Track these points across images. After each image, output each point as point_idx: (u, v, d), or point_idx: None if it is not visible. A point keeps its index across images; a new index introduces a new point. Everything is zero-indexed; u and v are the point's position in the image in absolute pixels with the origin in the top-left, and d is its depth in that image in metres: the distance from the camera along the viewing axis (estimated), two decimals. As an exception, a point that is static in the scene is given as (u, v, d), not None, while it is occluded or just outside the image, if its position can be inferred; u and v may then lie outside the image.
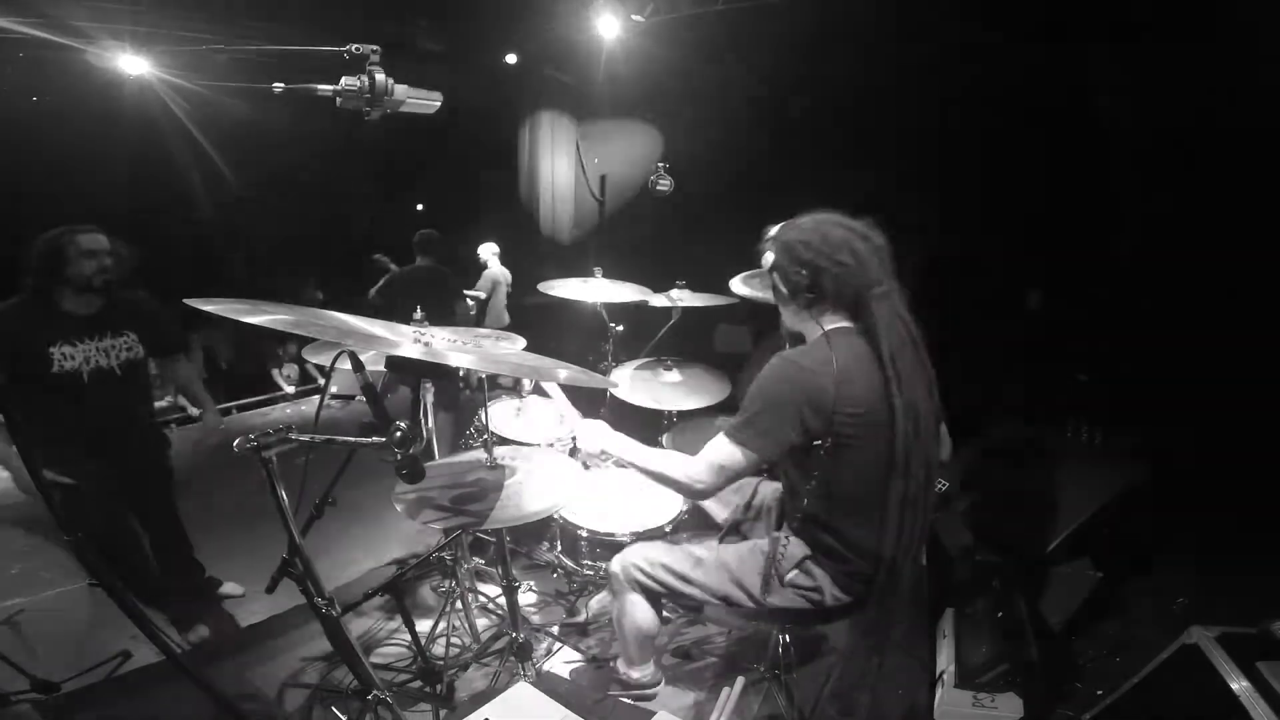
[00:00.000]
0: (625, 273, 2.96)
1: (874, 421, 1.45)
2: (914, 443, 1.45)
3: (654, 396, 2.66)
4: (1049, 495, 2.46)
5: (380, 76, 1.13)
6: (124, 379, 2.23)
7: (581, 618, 2.39)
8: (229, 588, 2.61)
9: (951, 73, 3.24)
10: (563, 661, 2.22)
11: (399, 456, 1.21)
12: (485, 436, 1.95)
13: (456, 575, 2.29)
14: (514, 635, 1.94)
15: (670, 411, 2.77)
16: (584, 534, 2.26)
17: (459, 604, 2.29)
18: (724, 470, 1.52)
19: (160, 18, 3.34)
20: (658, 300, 2.80)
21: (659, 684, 1.94)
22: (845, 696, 1.96)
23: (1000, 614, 2.12)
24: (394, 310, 2.00)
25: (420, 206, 6.18)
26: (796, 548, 1.62)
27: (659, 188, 2.92)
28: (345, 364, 1.30)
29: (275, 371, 5.46)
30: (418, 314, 1.93)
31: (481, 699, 1.32)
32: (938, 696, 1.98)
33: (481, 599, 2.47)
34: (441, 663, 2.09)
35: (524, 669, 1.94)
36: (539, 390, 1.98)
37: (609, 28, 4.03)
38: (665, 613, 1.80)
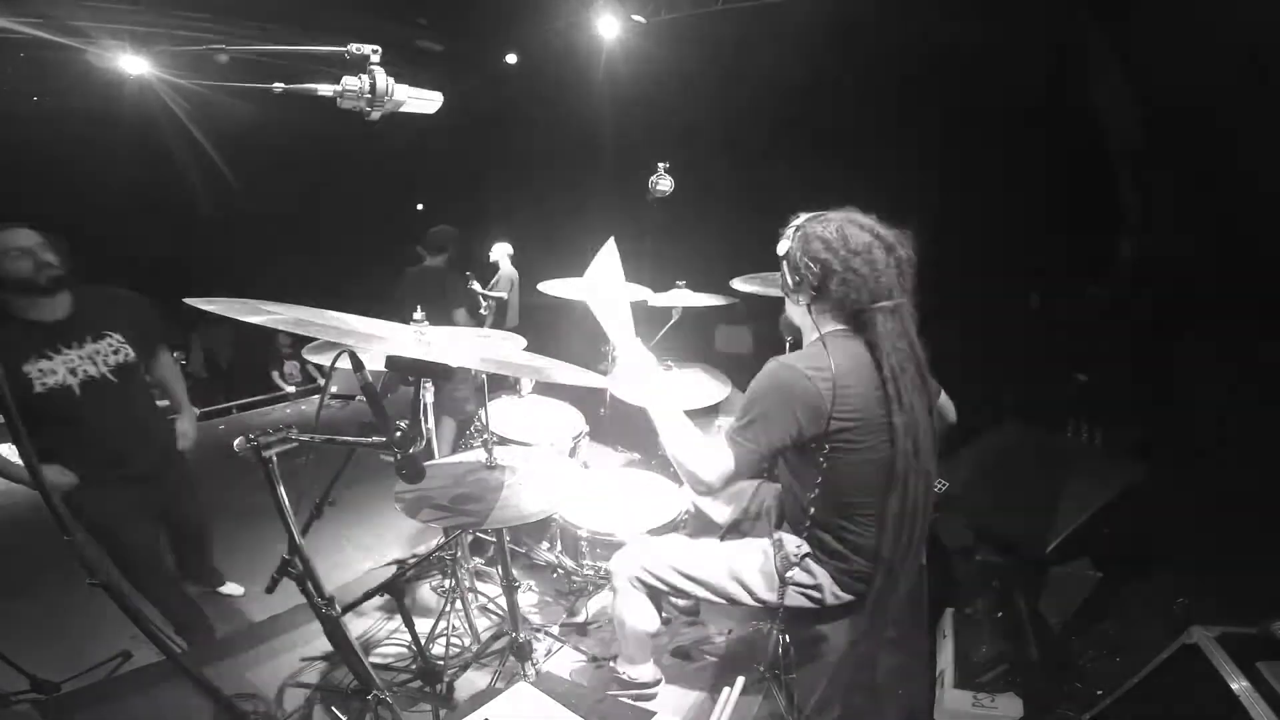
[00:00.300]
0: (625, 273, 2.95)
1: (872, 427, 1.45)
2: (913, 460, 1.45)
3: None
4: (1049, 495, 2.46)
5: (380, 77, 1.13)
6: (120, 385, 2.06)
7: (581, 618, 2.39)
8: (229, 588, 2.60)
9: (952, 72, 3.24)
10: (563, 661, 2.22)
11: (399, 456, 1.21)
12: (485, 436, 1.96)
13: (456, 575, 2.29)
14: (514, 635, 1.94)
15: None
16: (584, 534, 2.26)
17: (459, 604, 2.29)
18: (730, 476, 1.51)
19: (160, 18, 3.35)
20: (658, 300, 2.79)
21: (659, 683, 1.94)
22: (845, 696, 1.96)
23: (1000, 614, 2.12)
24: (403, 310, 1.98)
25: (420, 206, 6.19)
26: (797, 546, 1.62)
27: (659, 188, 2.91)
28: (345, 364, 1.30)
29: (275, 373, 5.47)
30: (418, 314, 1.93)
31: (481, 699, 1.32)
32: (938, 696, 1.98)
33: (481, 599, 2.47)
34: (441, 663, 2.09)
35: (524, 669, 1.94)
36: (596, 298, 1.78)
37: (609, 28, 4.04)
38: (665, 613, 1.80)
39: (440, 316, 3.68)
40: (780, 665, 2.05)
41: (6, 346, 1.88)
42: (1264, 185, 2.53)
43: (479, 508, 1.71)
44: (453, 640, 2.22)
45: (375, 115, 1.17)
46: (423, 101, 1.22)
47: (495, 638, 2.25)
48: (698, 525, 2.33)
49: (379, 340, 1.41)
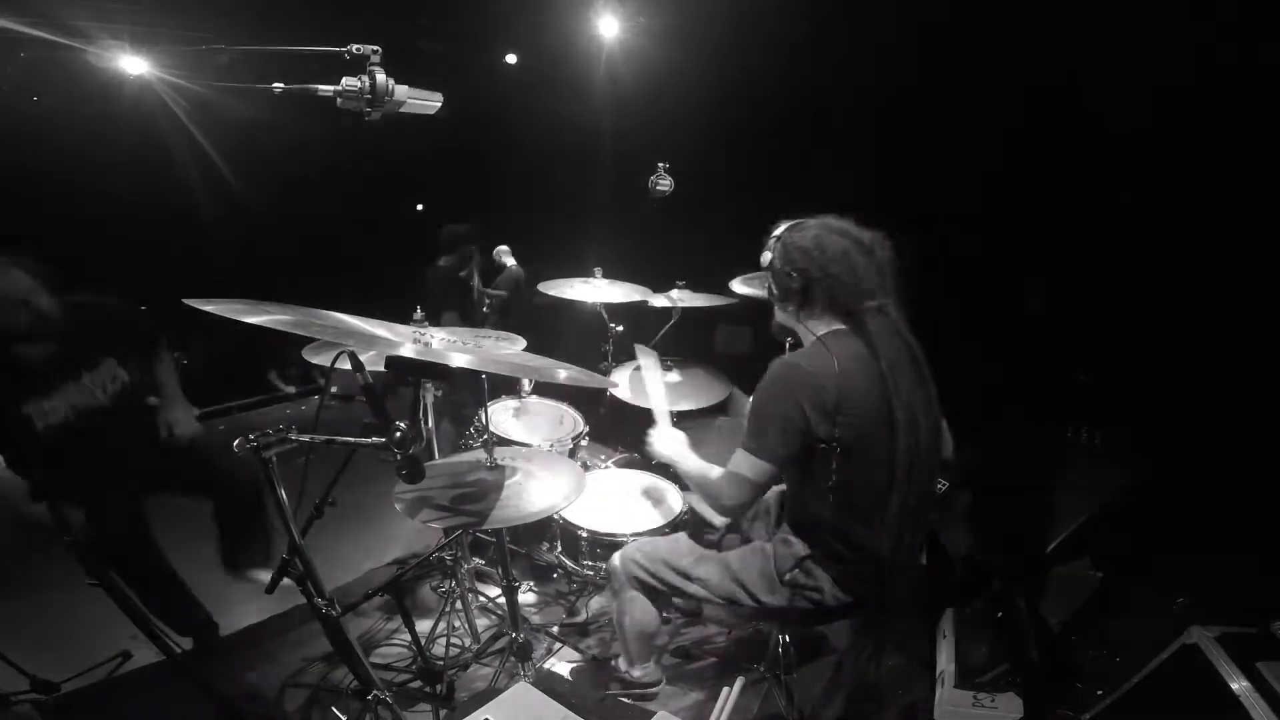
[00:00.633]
0: (625, 273, 2.95)
1: (875, 423, 1.44)
2: (915, 456, 1.45)
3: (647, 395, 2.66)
4: (1049, 495, 2.46)
5: (380, 77, 1.13)
6: (121, 411, 2.01)
7: (581, 618, 2.39)
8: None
9: (953, 71, 3.24)
10: (563, 661, 2.23)
11: (399, 456, 1.21)
12: (485, 436, 1.96)
13: (456, 575, 2.29)
14: (514, 635, 1.94)
15: (670, 412, 2.77)
16: (584, 534, 2.26)
17: (459, 604, 2.29)
18: (745, 482, 1.51)
19: (160, 18, 3.34)
20: (658, 300, 2.80)
21: (659, 683, 1.94)
22: (845, 696, 1.96)
23: (1000, 614, 2.12)
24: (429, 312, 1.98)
25: (420, 206, 6.18)
26: (797, 547, 1.62)
27: (659, 188, 2.91)
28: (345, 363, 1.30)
29: (274, 373, 5.46)
30: (417, 314, 1.93)
31: (481, 699, 1.32)
32: (938, 696, 1.98)
33: (481, 599, 2.47)
34: (441, 663, 2.10)
35: (524, 669, 1.95)
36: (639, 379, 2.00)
37: (609, 28, 4.03)
38: (665, 613, 1.80)
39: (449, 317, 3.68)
40: (780, 665, 2.05)
41: (2, 391, 1.83)
42: (1267, 183, 2.53)
43: (479, 508, 1.71)
44: (453, 640, 2.22)
45: (375, 115, 1.18)
46: (423, 102, 1.22)
47: (495, 638, 2.25)
48: (698, 526, 2.33)
49: (379, 340, 1.41)
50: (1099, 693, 1.94)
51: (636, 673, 1.88)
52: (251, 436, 1.17)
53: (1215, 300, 2.68)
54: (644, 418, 2.75)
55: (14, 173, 3.43)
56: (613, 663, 2.04)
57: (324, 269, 4.78)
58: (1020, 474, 2.69)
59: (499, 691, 1.33)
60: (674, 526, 2.27)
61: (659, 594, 1.75)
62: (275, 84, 1.17)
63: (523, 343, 2.17)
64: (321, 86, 1.14)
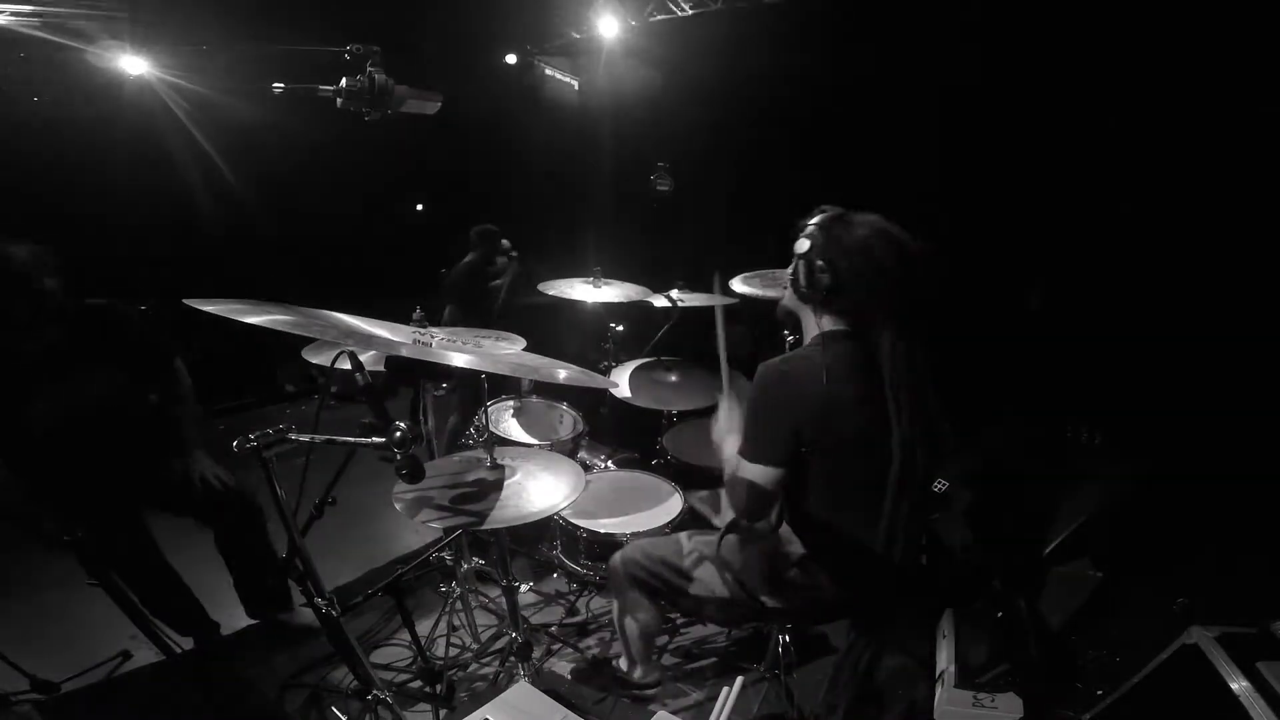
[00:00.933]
0: (625, 273, 2.95)
1: (869, 424, 1.44)
2: (907, 471, 1.44)
3: (654, 396, 2.66)
4: (1049, 495, 2.46)
5: (380, 77, 1.13)
6: (114, 415, 1.98)
7: (581, 618, 2.39)
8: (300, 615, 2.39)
9: (954, 71, 3.24)
10: (563, 661, 2.23)
11: (399, 456, 1.21)
12: (485, 436, 1.96)
13: (456, 575, 2.29)
14: (514, 635, 1.94)
15: (670, 411, 2.77)
16: (584, 534, 2.26)
17: (459, 604, 2.29)
18: (750, 486, 1.49)
19: (160, 18, 3.34)
20: (658, 300, 2.80)
21: (659, 683, 1.94)
22: (844, 696, 1.96)
23: (1000, 614, 2.12)
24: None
25: (420, 206, 6.18)
26: (795, 546, 1.62)
27: (659, 188, 2.92)
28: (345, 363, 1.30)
29: (276, 372, 5.46)
30: (417, 314, 1.93)
31: (481, 699, 1.31)
32: (938, 696, 1.98)
33: (481, 599, 2.47)
34: (441, 663, 2.09)
35: (524, 669, 1.95)
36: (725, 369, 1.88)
37: (609, 28, 4.04)
38: (665, 613, 1.80)
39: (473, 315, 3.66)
40: (780, 665, 2.05)
41: None
42: (1268, 182, 2.53)
43: (479, 508, 1.71)
44: (453, 640, 2.22)
45: (374, 115, 1.18)
46: (423, 102, 1.22)
47: (495, 638, 2.25)
48: (697, 526, 2.33)
49: (379, 340, 1.41)
50: (1099, 693, 1.94)
51: (636, 673, 1.88)
52: (251, 436, 1.17)
53: (1215, 299, 2.68)
54: (643, 418, 2.76)
55: (14, 173, 3.43)
56: (613, 663, 2.04)
57: (324, 269, 4.78)
58: (1020, 474, 2.69)
59: (499, 691, 1.32)
60: (674, 526, 2.27)
61: (659, 594, 1.74)
62: (275, 84, 1.17)
63: (523, 343, 2.17)
64: (321, 86, 1.14)
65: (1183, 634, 1.58)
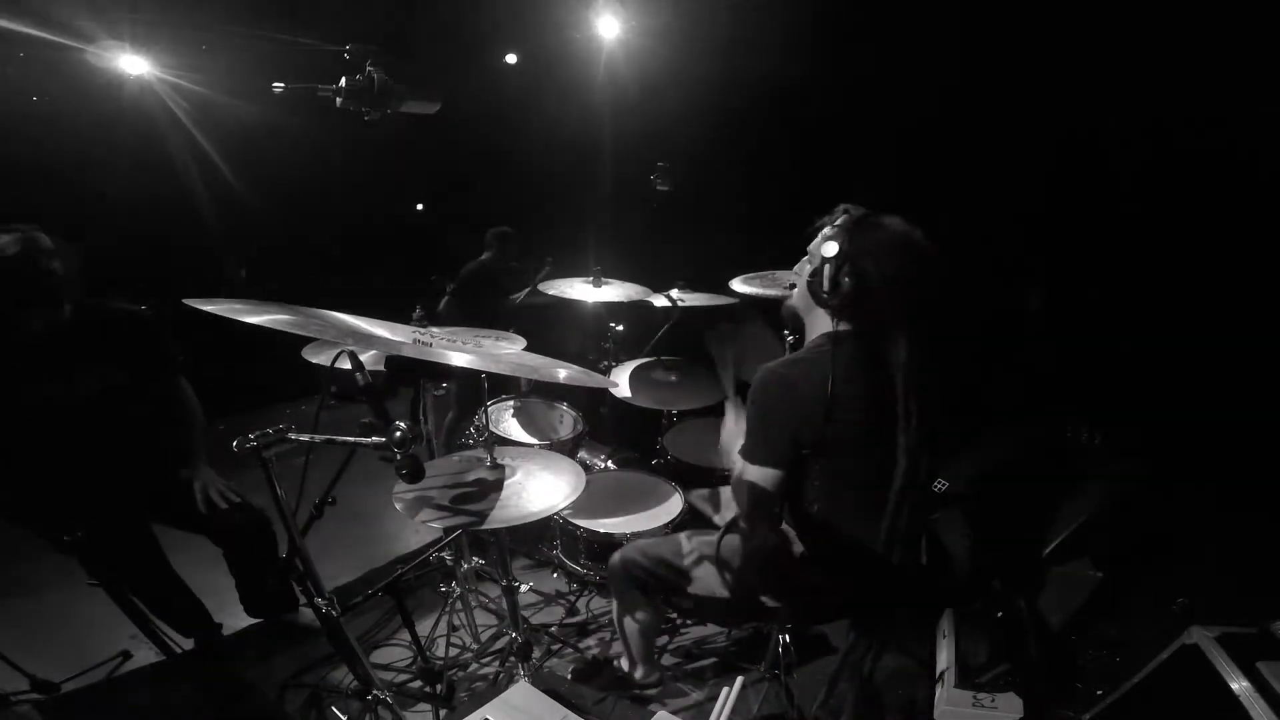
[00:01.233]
0: (625, 273, 2.96)
1: (872, 424, 1.43)
2: (910, 479, 1.44)
3: (654, 396, 2.66)
4: (1049, 495, 2.46)
5: (380, 77, 1.13)
6: (106, 410, 1.94)
7: (581, 618, 2.39)
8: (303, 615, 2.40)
9: (954, 71, 3.24)
10: (563, 661, 2.23)
11: (399, 456, 1.21)
12: (485, 437, 1.96)
13: (456, 575, 2.29)
14: (514, 635, 1.94)
15: (670, 411, 2.77)
16: (584, 534, 2.26)
17: (459, 604, 2.29)
18: (753, 489, 1.48)
19: (160, 18, 3.35)
20: (658, 300, 2.80)
21: (660, 683, 1.94)
22: (844, 696, 1.96)
23: (1000, 614, 2.12)
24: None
25: (420, 206, 6.18)
26: (796, 546, 1.62)
27: (659, 188, 2.92)
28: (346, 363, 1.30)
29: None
30: (417, 313, 1.93)
31: (481, 699, 1.31)
32: (938, 696, 1.98)
33: (481, 599, 2.47)
34: (441, 663, 2.10)
35: (524, 669, 1.95)
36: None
37: (609, 28, 4.04)
38: (665, 613, 1.80)
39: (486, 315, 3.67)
40: (780, 665, 2.05)
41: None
42: (1268, 182, 2.53)
43: (479, 508, 1.71)
44: (453, 640, 2.22)
45: (374, 115, 1.18)
46: (422, 102, 1.22)
47: (495, 638, 2.25)
48: (697, 526, 2.33)
49: (379, 340, 1.41)
50: (1099, 693, 1.94)
51: (637, 673, 1.88)
52: (251, 436, 1.18)
53: (1215, 298, 2.68)
54: (643, 418, 2.76)
55: (13, 173, 3.43)
56: (614, 663, 2.04)
57: (323, 268, 4.79)
58: (1020, 474, 2.69)
59: (499, 691, 1.32)
60: (674, 526, 2.27)
61: (659, 594, 1.74)
62: (275, 84, 1.17)
63: (523, 343, 2.17)
64: (321, 86, 1.14)
65: (1183, 634, 1.58)
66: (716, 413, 2.73)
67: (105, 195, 4.01)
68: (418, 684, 2.06)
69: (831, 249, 1.43)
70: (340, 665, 2.11)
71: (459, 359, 1.40)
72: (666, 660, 2.19)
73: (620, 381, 2.67)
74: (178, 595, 2.20)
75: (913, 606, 2.20)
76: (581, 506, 2.30)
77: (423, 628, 2.25)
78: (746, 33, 3.73)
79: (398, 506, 1.67)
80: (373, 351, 1.96)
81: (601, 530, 2.25)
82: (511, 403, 2.81)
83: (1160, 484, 2.51)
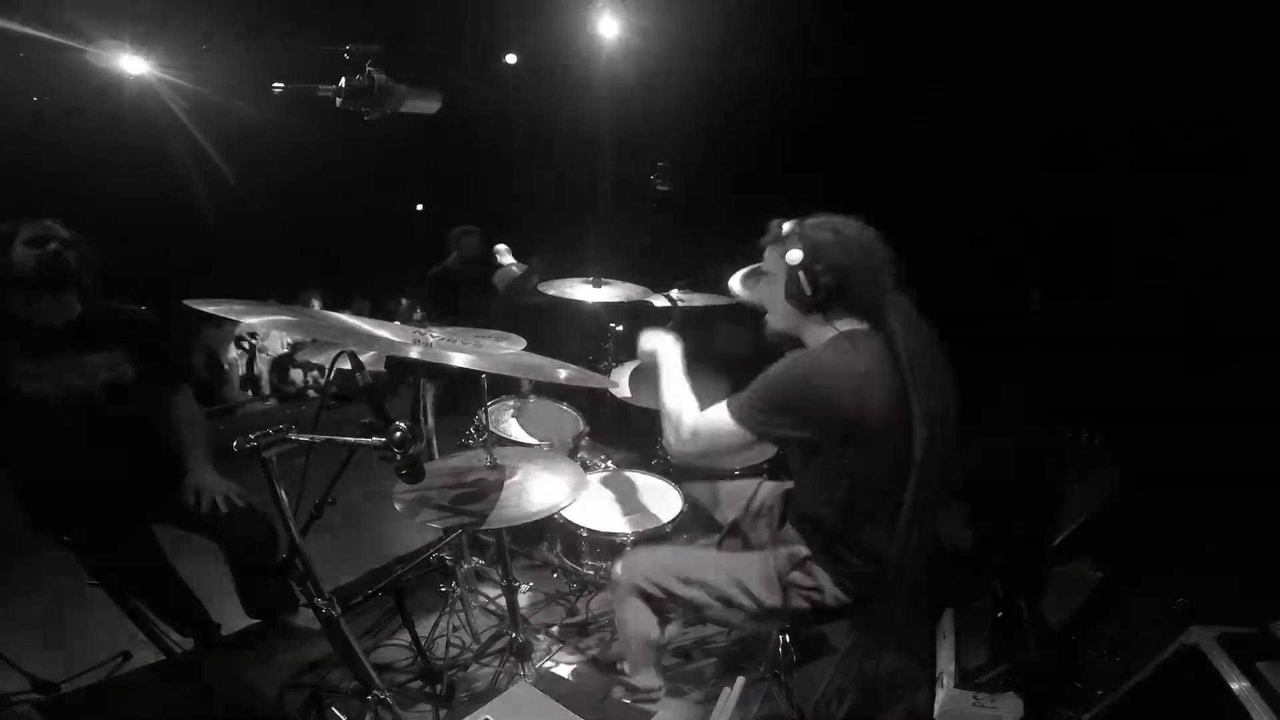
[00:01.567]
0: (625, 273, 2.95)
1: (892, 422, 1.43)
2: (931, 448, 1.44)
3: (654, 397, 2.65)
4: (1049, 495, 2.46)
5: (380, 77, 1.13)
6: (108, 404, 1.93)
7: (581, 618, 2.39)
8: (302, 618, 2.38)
9: (954, 71, 3.24)
10: (563, 661, 2.23)
11: (399, 456, 1.21)
12: (485, 436, 1.96)
13: (456, 575, 2.29)
14: (514, 635, 1.94)
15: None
16: (584, 534, 2.26)
17: (459, 604, 2.29)
18: (716, 440, 1.54)
19: (160, 18, 3.35)
20: (658, 300, 2.80)
21: (661, 689, 1.94)
22: (844, 696, 1.96)
23: (1000, 614, 2.12)
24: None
25: (420, 206, 6.19)
26: (798, 548, 1.62)
27: (658, 188, 2.92)
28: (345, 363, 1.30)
29: (276, 373, 5.47)
30: (417, 314, 1.93)
31: (481, 699, 1.32)
32: (938, 696, 1.98)
33: (481, 599, 2.47)
34: (441, 663, 2.09)
35: (524, 669, 1.95)
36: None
37: (609, 28, 4.04)
38: (668, 618, 1.80)
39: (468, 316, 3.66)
40: (780, 665, 2.05)
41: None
42: (1268, 182, 2.53)
43: (479, 508, 1.71)
44: (453, 640, 2.22)
45: (374, 115, 1.18)
46: (422, 102, 1.22)
47: (495, 638, 2.25)
48: (697, 525, 2.33)
49: (379, 340, 1.41)
50: (1099, 693, 1.94)
51: (639, 679, 1.87)
52: (251, 436, 1.18)
53: (1215, 298, 2.68)
54: (643, 418, 2.75)
55: (13, 173, 3.43)
56: (615, 665, 2.04)
57: (323, 268, 4.79)
58: (1020, 474, 2.69)
59: (499, 691, 1.33)
60: (674, 526, 2.26)
61: (660, 602, 1.74)
62: (275, 84, 1.17)
63: (523, 343, 2.17)
64: (321, 86, 1.14)
65: (1183, 634, 1.58)
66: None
67: (105, 195, 4.01)
68: (418, 684, 2.05)
69: (796, 255, 1.48)
70: (340, 665, 2.10)
71: (459, 359, 1.40)
72: (666, 660, 2.19)
73: (620, 381, 2.67)
74: (177, 595, 2.20)
75: (914, 606, 2.21)
76: (581, 506, 2.30)
77: (423, 628, 2.25)
78: (745, 35, 3.74)
79: (398, 507, 1.67)
80: (372, 353, 1.96)
81: (602, 530, 2.25)
82: (512, 403, 2.81)
83: (1160, 484, 2.51)
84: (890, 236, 1.53)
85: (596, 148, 4.85)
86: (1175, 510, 2.52)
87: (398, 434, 1.19)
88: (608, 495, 2.44)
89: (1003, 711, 1.87)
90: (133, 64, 3.02)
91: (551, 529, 2.44)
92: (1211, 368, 2.66)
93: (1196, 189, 2.69)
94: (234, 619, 2.33)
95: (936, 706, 1.96)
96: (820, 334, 1.54)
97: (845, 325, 1.51)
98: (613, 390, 2.59)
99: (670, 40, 4.05)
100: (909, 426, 1.42)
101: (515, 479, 1.83)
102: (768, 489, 1.96)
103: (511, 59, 5.18)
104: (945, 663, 2.03)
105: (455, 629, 2.26)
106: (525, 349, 1.92)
